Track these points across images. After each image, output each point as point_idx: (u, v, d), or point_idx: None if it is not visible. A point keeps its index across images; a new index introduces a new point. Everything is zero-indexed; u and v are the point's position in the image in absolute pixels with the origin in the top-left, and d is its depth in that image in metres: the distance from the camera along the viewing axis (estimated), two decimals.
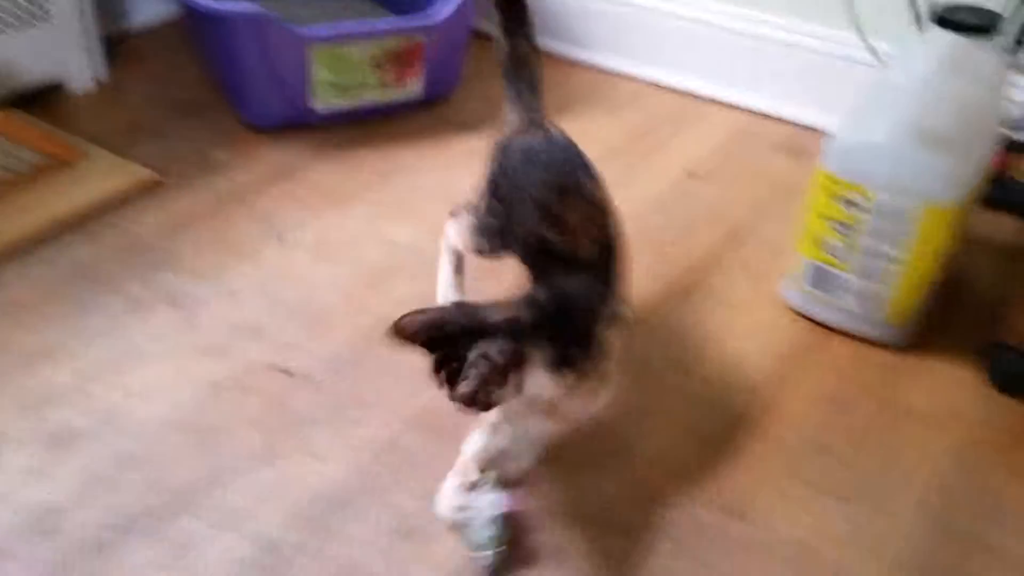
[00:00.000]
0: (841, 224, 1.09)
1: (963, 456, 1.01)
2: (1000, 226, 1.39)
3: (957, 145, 1.04)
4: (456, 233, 1.09)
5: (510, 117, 1.03)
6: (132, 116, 1.53)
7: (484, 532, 0.86)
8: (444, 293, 1.11)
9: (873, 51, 1.49)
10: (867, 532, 0.92)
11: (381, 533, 0.89)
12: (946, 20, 1.09)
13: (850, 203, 1.08)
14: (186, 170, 1.40)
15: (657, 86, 1.74)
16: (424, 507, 0.91)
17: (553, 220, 0.90)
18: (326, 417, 1.01)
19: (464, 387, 0.76)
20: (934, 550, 0.91)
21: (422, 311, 0.79)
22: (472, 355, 0.76)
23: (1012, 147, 1.41)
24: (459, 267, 1.12)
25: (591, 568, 0.87)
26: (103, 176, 1.35)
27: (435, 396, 1.02)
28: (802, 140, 1.58)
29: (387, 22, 1.47)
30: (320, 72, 1.45)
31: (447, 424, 1.00)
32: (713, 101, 1.69)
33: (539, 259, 0.89)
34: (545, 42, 1.80)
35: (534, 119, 1.01)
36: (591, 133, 1.57)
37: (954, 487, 0.97)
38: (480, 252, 1.05)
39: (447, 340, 0.77)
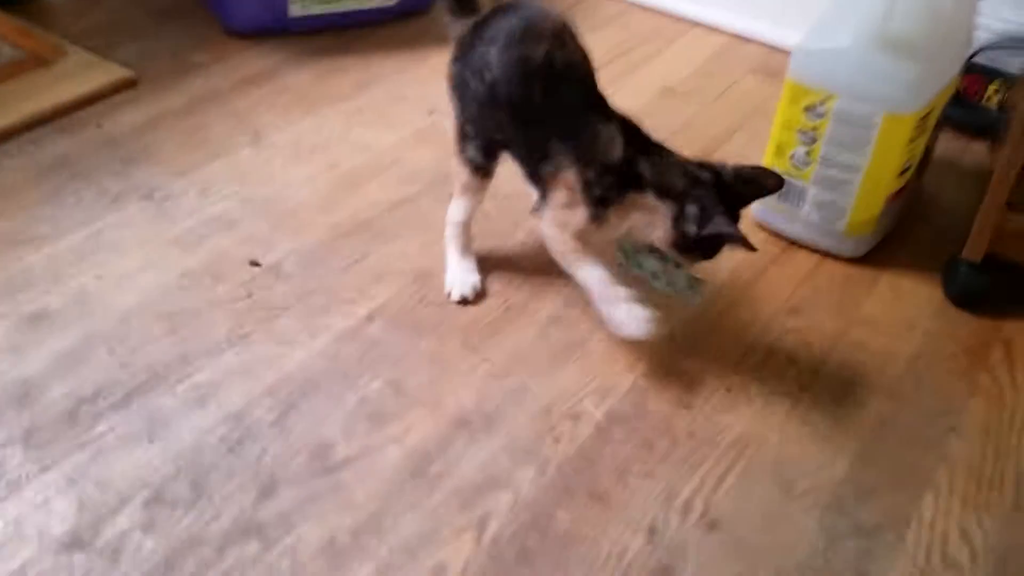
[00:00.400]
0: (803, 132, 1.11)
1: (916, 365, 1.04)
2: (968, 149, 1.41)
3: (921, 52, 1.05)
4: (455, 189, 1.06)
5: (455, 28, 1.03)
6: (112, 18, 1.53)
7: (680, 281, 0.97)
8: (460, 276, 1.07)
9: None
10: (819, 431, 0.96)
11: (345, 413, 0.92)
12: None
13: (811, 110, 1.09)
14: (163, 71, 1.41)
15: (640, 6, 1.74)
16: (387, 392, 0.94)
17: (528, 35, 0.94)
18: (293, 306, 1.04)
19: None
20: (887, 451, 0.94)
21: None
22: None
23: (984, 72, 1.42)
24: (467, 246, 1.09)
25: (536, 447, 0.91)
26: (81, 74, 1.36)
27: (398, 291, 1.06)
28: (779, 61, 1.58)
29: None
30: None
31: (411, 317, 1.03)
32: (695, 22, 1.69)
33: (517, 89, 0.94)
34: None
35: (482, 17, 1.01)
36: None
37: (906, 393, 1.01)
38: (478, 167, 1.03)
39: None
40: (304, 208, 1.18)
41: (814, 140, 1.11)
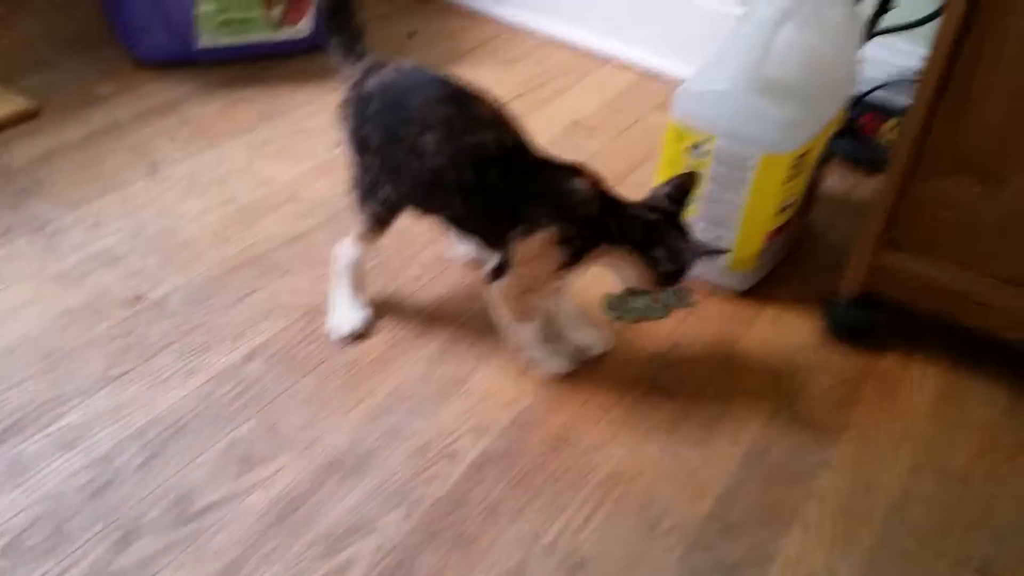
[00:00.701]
0: None
1: (792, 399, 1.06)
2: (860, 184, 1.44)
3: (797, 95, 1.08)
4: (351, 234, 1.06)
5: (345, 71, 1.03)
6: (21, 46, 1.52)
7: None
8: (346, 314, 1.07)
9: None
10: (688, 467, 0.97)
11: (214, 456, 0.92)
12: None
13: (694, 149, 1.12)
14: (67, 102, 1.40)
15: (555, 42, 1.76)
16: (260, 434, 0.94)
17: (473, 124, 0.96)
18: (173, 344, 1.03)
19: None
20: (756, 487, 0.96)
21: None
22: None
23: (881, 109, 1.46)
24: (358, 284, 1.09)
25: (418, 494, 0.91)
26: None
27: (285, 327, 1.06)
28: None
29: None
30: (207, 5, 1.44)
31: (294, 355, 1.04)
32: (607, 58, 1.72)
33: (471, 176, 0.95)
34: None
35: (373, 63, 1.02)
36: (480, 85, 1.59)
37: (780, 427, 1.02)
38: (380, 221, 1.03)
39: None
40: (195, 242, 1.17)
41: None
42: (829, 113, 1.15)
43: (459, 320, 1.12)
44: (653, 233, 0.97)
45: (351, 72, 1.02)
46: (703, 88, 1.10)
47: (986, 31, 0.92)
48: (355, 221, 1.05)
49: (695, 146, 1.11)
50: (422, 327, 1.10)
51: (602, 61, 1.71)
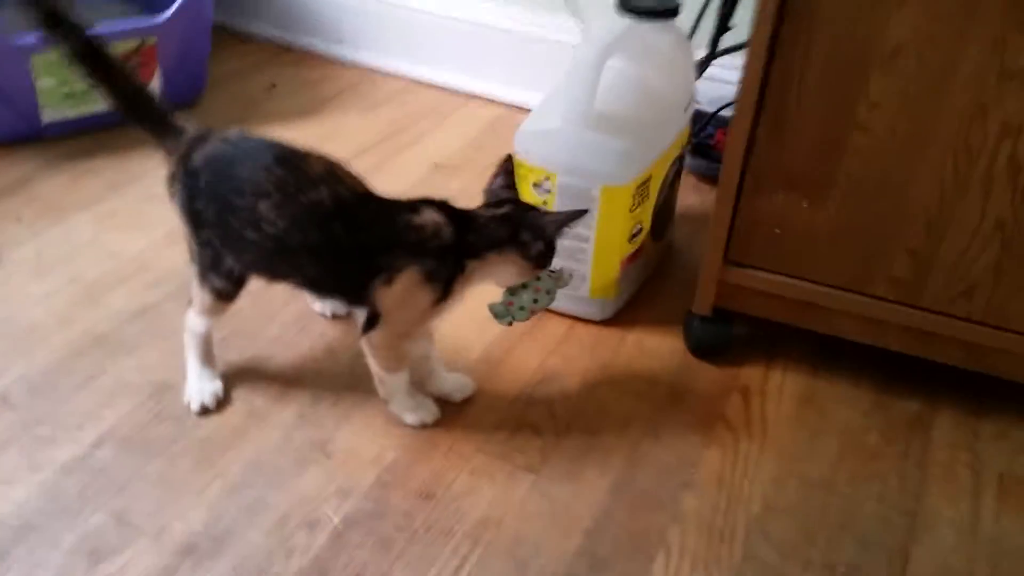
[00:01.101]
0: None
1: (656, 423, 1.07)
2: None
3: (630, 126, 1.10)
4: (193, 306, 1.04)
5: (168, 147, 1.00)
6: None
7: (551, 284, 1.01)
8: (199, 385, 1.05)
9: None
10: (557, 504, 0.97)
11: (62, 555, 0.88)
12: (625, 4, 1.15)
13: (539, 186, 1.12)
14: None
15: (419, 83, 1.76)
16: (109, 526, 0.91)
17: (307, 182, 0.94)
18: (17, 439, 0.99)
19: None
20: (622, 518, 0.96)
21: None
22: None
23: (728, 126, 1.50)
24: (208, 353, 1.07)
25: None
26: None
27: (132, 409, 1.03)
28: None
29: (111, 24, 1.43)
30: (46, 82, 1.41)
31: (144, 437, 1.00)
32: (471, 96, 1.73)
33: (315, 235, 0.94)
34: (301, 38, 1.82)
35: (197, 135, 0.99)
36: (343, 133, 1.59)
37: (644, 453, 1.03)
38: (225, 294, 1.01)
39: None
40: (39, 327, 1.13)
41: None
42: (667, 139, 1.17)
43: (320, 380, 1.10)
44: (510, 224, 0.97)
45: (174, 146, 0.99)
46: (538, 127, 1.12)
47: (791, 53, 0.95)
48: (198, 296, 1.02)
49: (537, 184, 1.12)
50: (281, 391, 1.08)
51: (465, 99, 1.72)
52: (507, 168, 1.02)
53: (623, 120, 1.10)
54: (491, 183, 1.02)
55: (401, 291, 0.96)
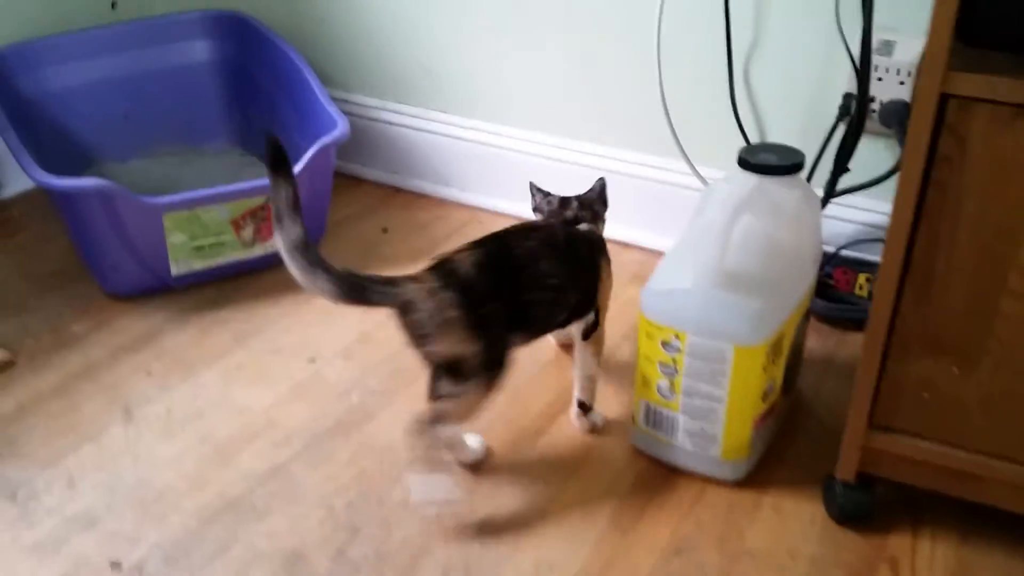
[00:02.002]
0: (663, 365, 1.12)
1: None
2: (843, 341, 1.43)
3: (761, 285, 1.08)
4: (449, 420, 1.11)
5: (386, 302, 1.06)
6: None
7: None
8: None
9: (702, 178, 1.55)
10: None
11: None
12: (747, 162, 1.15)
13: (667, 345, 1.10)
14: (41, 347, 1.40)
15: (491, 212, 1.78)
16: None
17: (543, 232, 1.18)
18: None
19: None
20: None
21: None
22: None
23: (852, 264, 1.47)
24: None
25: None
26: None
27: None
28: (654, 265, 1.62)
29: (241, 184, 1.50)
30: (176, 237, 1.47)
31: None
32: None
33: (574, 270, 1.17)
34: (410, 181, 1.86)
35: (443, 263, 1.09)
36: None
37: None
38: (502, 379, 1.10)
39: None
40: (171, 491, 1.15)
41: (675, 373, 1.12)
42: (797, 294, 1.14)
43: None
44: (587, 206, 1.24)
45: (395, 296, 1.04)
46: (667, 287, 1.10)
47: (938, 219, 0.92)
48: (466, 402, 1.08)
49: (666, 343, 1.10)
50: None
51: None
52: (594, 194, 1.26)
53: (754, 278, 1.08)
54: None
55: (608, 278, 1.22)
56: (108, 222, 1.41)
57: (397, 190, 1.89)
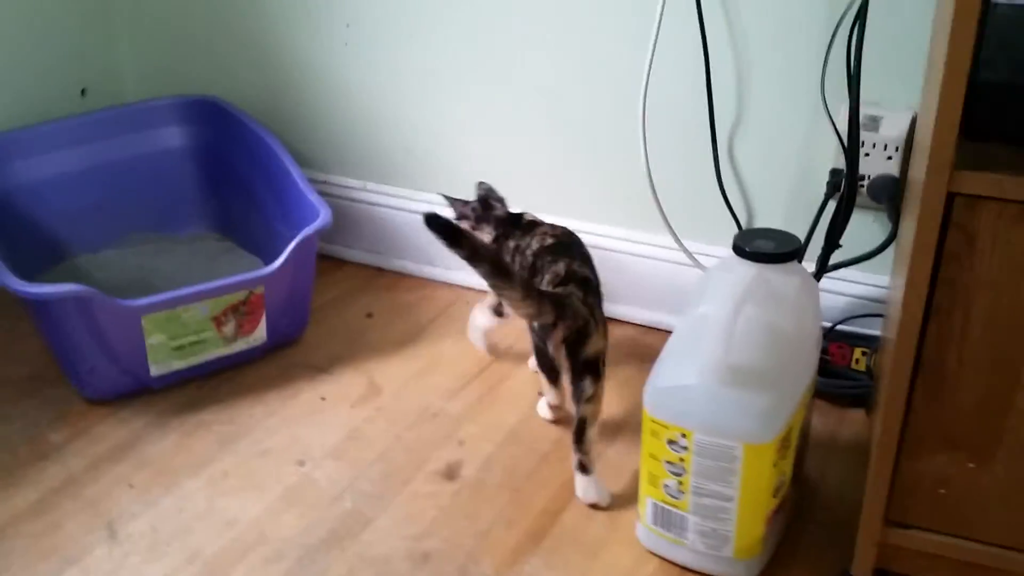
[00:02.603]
0: (670, 464, 1.09)
1: None
2: (844, 418, 1.41)
3: (768, 379, 1.06)
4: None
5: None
6: None
7: None
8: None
9: (690, 254, 1.54)
10: None
11: None
12: (743, 250, 1.13)
13: (674, 443, 1.07)
14: (18, 460, 1.33)
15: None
16: None
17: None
18: None
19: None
20: None
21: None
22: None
23: (848, 338, 1.45)
24: None
25: None
26: None
27: None
28: (652, 343, 1.60)
29: (221, 280, 1.45)
30: (156, 338, 1.42)
31: None
32: None
33: None
34: (394, 261, 1.83)
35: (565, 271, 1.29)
36: (444, 362, 1.56)
37: None
38: None
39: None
40: None
41: (683, 472, 1.08)
42: (804, 383, 1.12)
43: None
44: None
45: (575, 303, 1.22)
46: (671, 383, 1.08)
47: (949, 316, 0.90)
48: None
49: (672, 441, 1.07)
50: None
51: None
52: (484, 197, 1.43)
53: (760, 372, 1.05)
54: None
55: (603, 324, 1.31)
56: (85, 327, 1.36)
57: (380, 271, 1.86)
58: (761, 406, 1.04)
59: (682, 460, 1.08)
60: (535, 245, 1.35)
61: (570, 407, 1.25)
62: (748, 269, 1.12)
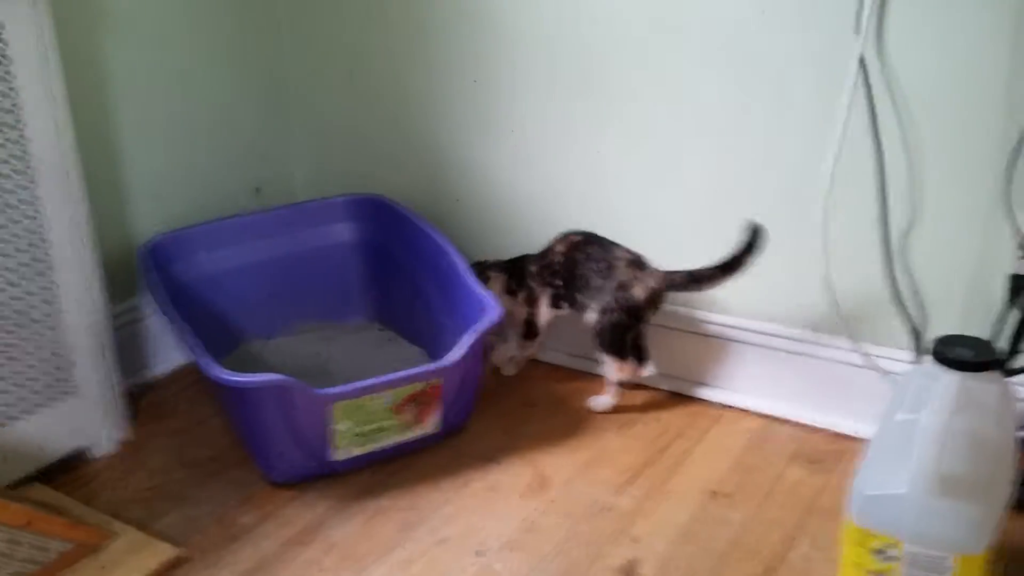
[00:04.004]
0: (876, 574, 1.08)
1: None
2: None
3: (977, 489, 1.05)
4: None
5: None
6: (155, 480, 1.55)
7: None
8: None
9: (865, 355, 1.54)
10: None
11: None
12: (945, 357, 1.13)
13: (881, 552, 1.07)
14: (211, 540, 1.40)
15: (668, 392, 1.77)
16: None
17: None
18: None
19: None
20: None
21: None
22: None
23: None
24: None
25: None
26: (129, 559, 1.35)
27: None
28: (816, 445, 1.59)
29: (406, 371, 1.51)
30: (341, 424, 1.48)
31: None
32: (724, 407, 1.71)
33: None
34: (548, 352, 1.87)
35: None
36: (607, 456, 1.58)
37: None
38: None
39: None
40: None
41: None
42: (1008, 492, 1.10)
43: None
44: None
45: None
46: (881, 491, 1.08)
47: None
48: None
49: (880, 551, 1.07)
50: None
51: (720, 410, 1.71)
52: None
53: (971, 482, 1.05)
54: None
55: None
56: (280, 413, 1.44)
57: (535, 362, 1.90)
58: (973, 516, 1.03)
59: (889, 571, 1.07)
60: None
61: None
62: (948, 375, 1.12)
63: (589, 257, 1.66)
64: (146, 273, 1.69)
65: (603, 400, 1.72)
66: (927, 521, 1.03)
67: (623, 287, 1.62)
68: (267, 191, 2.05)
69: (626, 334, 1.66)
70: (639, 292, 1.63)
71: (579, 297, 1.68)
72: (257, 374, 1.42)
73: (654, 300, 1.63)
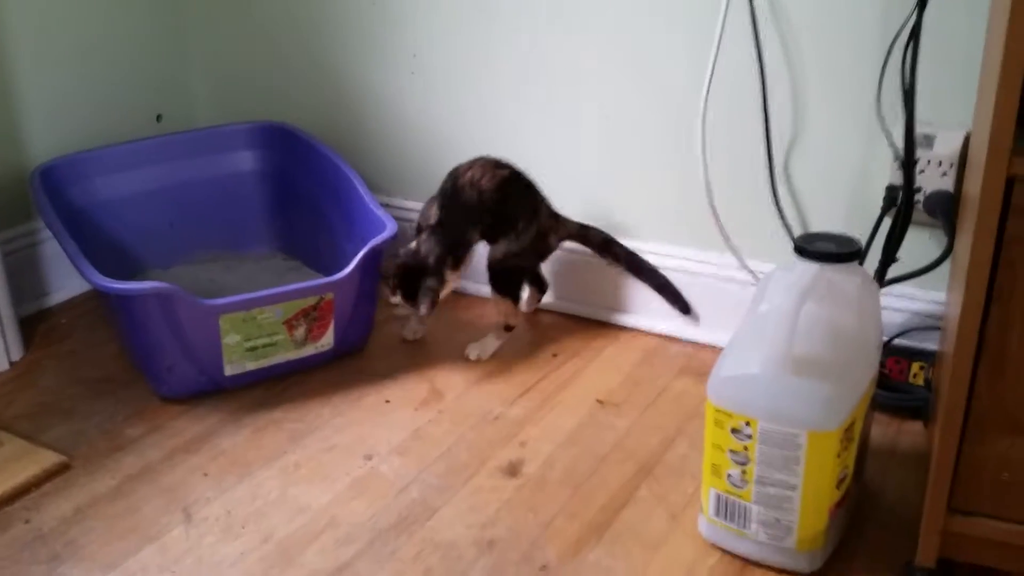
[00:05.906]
0: (734, 453, 1.12)
1: None
2: (902, 430, 1.42)
3: (831, 370, 1.09)
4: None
5: None
6: (45, 397, 1.54)
7: None
8: None
9: (750, 271, 1.58)
10: None
11: None
12: (806, 250, 1.17)
13: (738, 432, 1.10)
14: (95, 451, 1.39)
15: (565, 315, 1.80)
16: None
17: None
18: None
19: (424, 308, 1.56)
20: None
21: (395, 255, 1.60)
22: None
23: (905, 353, 1.47)
24: None
25: None
26: (10, 465, 1.34)
27: None
28: (704, 360, 1.63)
29: (296, 284, 1.52)
30: (231, 338, 1.48)
31: None
32: (621, 328, 1.75)
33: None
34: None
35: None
36: (502, 372, 1.61)
37: None
38: None
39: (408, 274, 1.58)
40: None
41: (747, 461, 1.11)
42: (866, 380, 1.15)
43: None
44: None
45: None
46: (736, 372, 1.11)
47: (1010, 300, 0.93)
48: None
49: (736, 430, 1.10)
50: None
51: (616, 331, 1.74)
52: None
53: (824, 363, 1.09)
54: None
55: None
56: (166, 324, 1.43)
57: None
58: (825, 395, 1.07)
59: (746, 449, 1.10)
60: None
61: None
62: (809, 267, 1.15)
63: (520, 196, 1.60)
64: (37, 196, 1.66)
65: (487, 344, 1.66)
66: (779, 399, 1.07)
67: (541, 235, 1.62)
68: (169, 119, 2.03)
69: (524, 277, 1.68)
70: (554, 243, 1.65)
71: (497, 234, 1.61)
72: (138, 282, 1.41)
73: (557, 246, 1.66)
